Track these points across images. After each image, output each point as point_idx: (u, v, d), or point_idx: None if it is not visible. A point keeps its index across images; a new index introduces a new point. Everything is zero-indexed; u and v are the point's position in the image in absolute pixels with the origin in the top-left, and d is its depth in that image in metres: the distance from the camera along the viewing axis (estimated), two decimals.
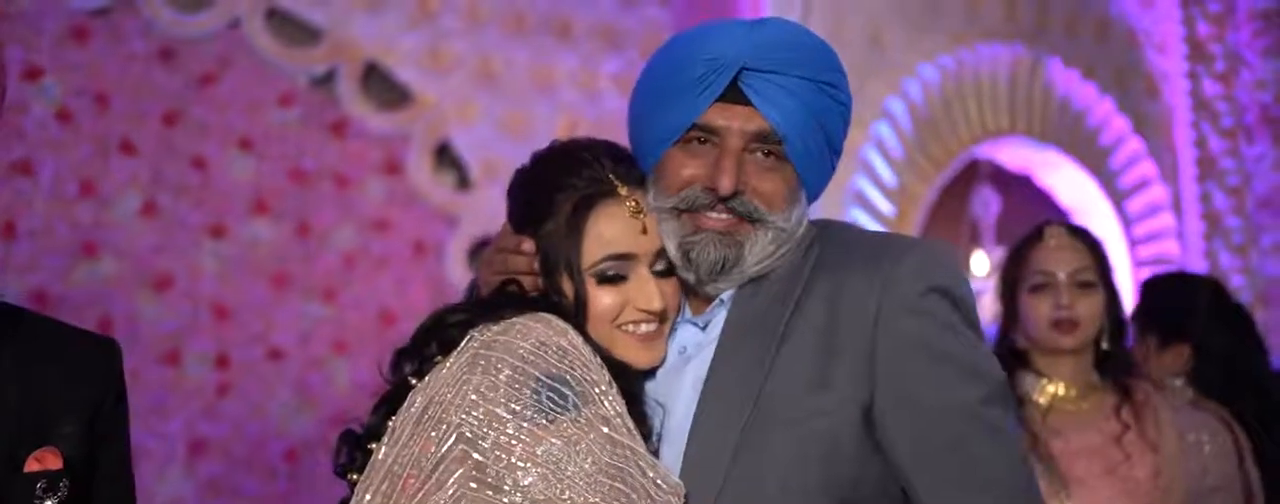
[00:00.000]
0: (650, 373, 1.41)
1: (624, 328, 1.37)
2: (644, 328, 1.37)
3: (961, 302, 1.35)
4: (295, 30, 4.56)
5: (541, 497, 1.20)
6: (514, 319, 1.30)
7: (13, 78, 4.08)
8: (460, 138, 4.72)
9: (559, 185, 1.37)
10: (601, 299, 1.35)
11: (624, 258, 1.36)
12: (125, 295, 4.15)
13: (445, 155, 4.74)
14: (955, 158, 4.91)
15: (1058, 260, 2.11)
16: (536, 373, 1.25)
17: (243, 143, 4.40)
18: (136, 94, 4.27)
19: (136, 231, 4.20)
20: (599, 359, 1.29)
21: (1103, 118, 5.33)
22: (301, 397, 4.33)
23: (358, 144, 4.59)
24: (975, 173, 5.26)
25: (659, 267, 1.38)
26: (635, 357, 1.36)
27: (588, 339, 1.31)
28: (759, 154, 1.36)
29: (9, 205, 4.03)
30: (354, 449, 1.34)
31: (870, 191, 4.69)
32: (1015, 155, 5.26)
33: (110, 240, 4.17)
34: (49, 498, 1.40)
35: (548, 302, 1.35)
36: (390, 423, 1.30)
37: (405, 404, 1.30)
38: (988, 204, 5.30)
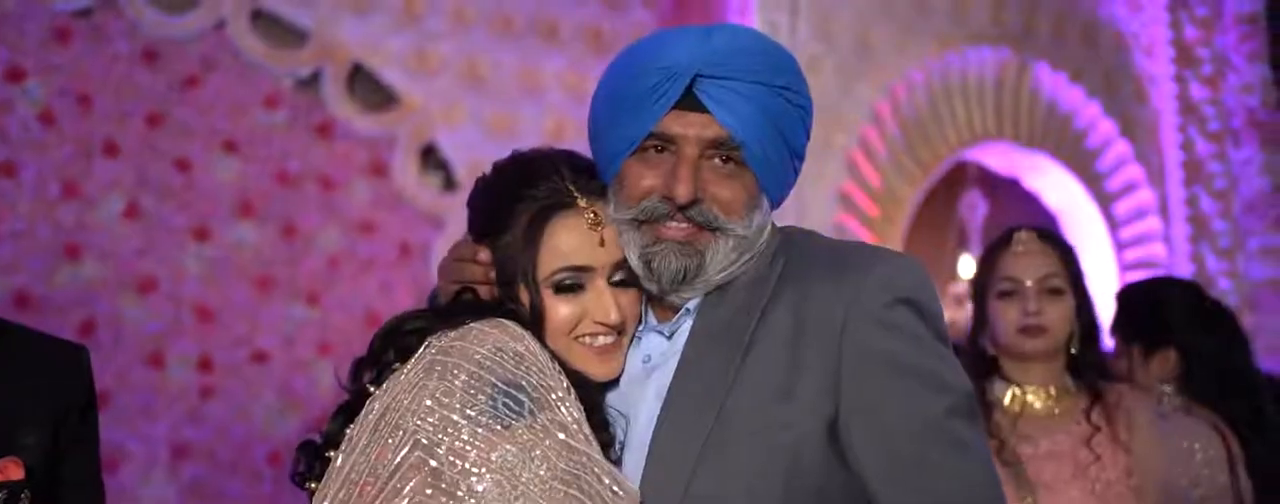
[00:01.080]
0: (614, 382, 1.40)
1: (581, 340, 1.36)
2: (601, 340, 1.36)
3: (928, 313, 1.34)
4: (281, 31, 4.55)
5: (496, 503, 1.19)
6: (471, 325, 1.29)
7: None
8: (446, 140, 4.72)
9: (518, 196, 1.36)
10: (558, 310, 1.34)
11: (581, 269, 1.35)
12: (109, 297, 4.14)
13: (431, 157, 4.74)
14: (942, 161, 4.91)
15: (1025, 266, 2.11)
16: (493, 378, 1.24)
17: (227, 145, 4.40)
18: (119, 95, 4.27)
19: (120, 234, 4.20)
20: (557, 365, 1.28)
21: (1090, 121, 5.34)
22: (286, 399, 4.32)
23: (343, 146, 4.59)
24: (963, 176, 5.27)
25: (617, 277, 1.37)
26: (592, 369, 1.35)
27: (545, 346, 1.30)
28: (717, 161, 1.34)
29: None
30: (312, 458, 1.33)
31: (857, 194, 4.68)
32: (1002, 159, 5.27)
33: (93, 242, 4.16)
34: None
35: (505, 308, 1.34)
36: (348, 431, 1.29)
37: (363, 411, 1.29)
38: (975, 207, 5.31)
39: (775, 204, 1.42)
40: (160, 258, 4.24)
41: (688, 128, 1.34)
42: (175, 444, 4.15)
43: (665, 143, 1.35)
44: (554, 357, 1.31)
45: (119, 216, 4.20)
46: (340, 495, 1.26)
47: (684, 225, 1.35)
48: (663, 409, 1.34)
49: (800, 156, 1.43)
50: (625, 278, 1.38)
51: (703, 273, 1.36)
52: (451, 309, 1.36)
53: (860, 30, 4.82)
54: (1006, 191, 5.41)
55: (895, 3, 4.92)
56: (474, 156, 4.69)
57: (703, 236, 1.35)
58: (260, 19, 4.50)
